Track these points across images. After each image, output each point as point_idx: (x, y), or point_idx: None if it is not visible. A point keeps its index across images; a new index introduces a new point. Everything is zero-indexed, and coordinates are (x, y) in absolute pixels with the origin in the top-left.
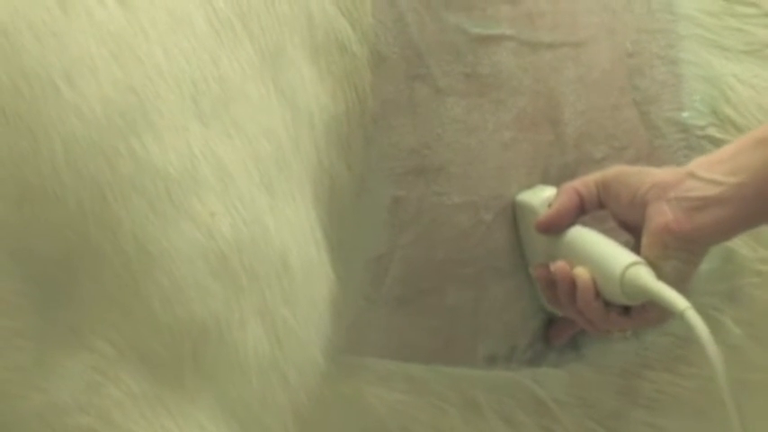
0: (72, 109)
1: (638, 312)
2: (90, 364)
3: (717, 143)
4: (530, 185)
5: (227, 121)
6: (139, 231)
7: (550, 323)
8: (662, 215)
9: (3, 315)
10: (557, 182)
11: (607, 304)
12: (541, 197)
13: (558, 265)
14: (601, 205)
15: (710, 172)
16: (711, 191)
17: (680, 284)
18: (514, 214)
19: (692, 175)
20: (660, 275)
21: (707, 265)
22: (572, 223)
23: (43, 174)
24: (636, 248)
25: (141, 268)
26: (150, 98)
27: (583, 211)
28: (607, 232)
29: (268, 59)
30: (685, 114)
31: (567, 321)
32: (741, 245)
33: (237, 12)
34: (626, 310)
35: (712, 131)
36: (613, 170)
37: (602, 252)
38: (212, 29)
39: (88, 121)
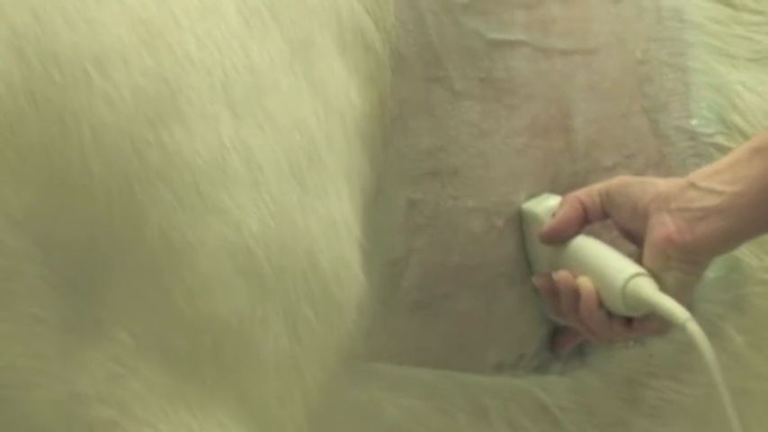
0: (102, 96)
1: (640, 323)
2: (112, 354)
3: (724, 151)
4: (538, 193)
5: (259, 112)
6: (165, 224)
7: (556, 332)
8: (663, 226)
9: (26, 302)
10: (565, 189)
11: (610, 314)
12: (546, 206)
13: (561, 275)
14: (605, 215)
15: (710, 182)
16: (711, 201)
17: (682, 295)
18: (520, 222)
19: (692, 186)
20: (662, 287)
21: (712, 273)
22: (576, 233)
23: (71, 161)
24: (640, 259)
25: (165, 261)
26: (181, 87)
27: (587, 221)
28: (613, 241)
29: (298, 51)
30: (694, 122)
31: (573, 330)
32: (747, 254)
33: (267, 2)
34: (628, 320)
35: (720, 139)
36: (617, 180)
37: (605, 262)
38: (242, 18)
39: (118, 109)
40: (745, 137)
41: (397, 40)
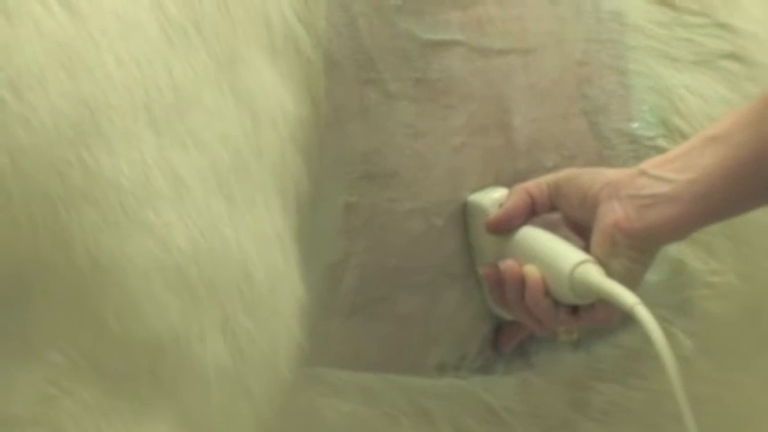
0: (19, 120)
1: (586, 312)
2: (43, 376)
3: None
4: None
5: (182, 130)
6: (91, 244)
7: (498, 329)
8: (612, 213)
9: None
10: (508, 187)
11: (556, 303)
12: (492, 198)
13: (507, 264)
14: (552, 207)
15: (661, 170)
16: (662, 188)
17: (629, 284)
18: (464, 215)
19: (643, 174)
20: (609, 274)
21: (656, 276)
22: (522, 224)
23: None
24: (587, 251)
25: (94, 282)
26: (101, 108)
27: (534, 212)
28: None
29: (224, 65)
30: (634, 125)
31: (515, 327)
32: (692, 257)
33: (190, 17)
34: (574, 309)
35: (661, 142)
36: (565, 172)
37: (552, 251)
38: (165, 35)
39: (36, 132)
40: (687, 140)
41: (329, 44)
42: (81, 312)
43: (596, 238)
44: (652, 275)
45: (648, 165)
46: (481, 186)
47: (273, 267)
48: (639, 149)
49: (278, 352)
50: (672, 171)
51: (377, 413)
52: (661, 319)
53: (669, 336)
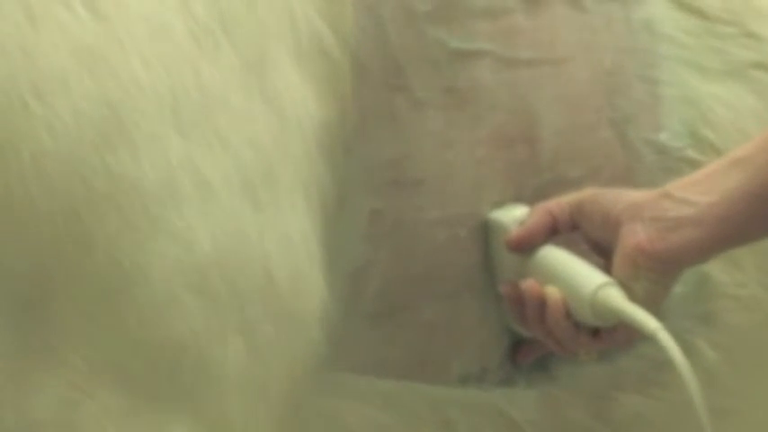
0: (42, 124)
1: (607, 334)
2: (66, 380)
3: (694, 165)
4: (503, 203)
5: (209, 132)
6: (114, 247)
7: (518, 343)
8: (635, 234)
9: None
10: (530, 201)
11: (576, 325)
12: (513, 215)
13: (528, 283)
14: (573, 227)
15: (685, 192)
16: (685, 211)
17: (651, 306)
18: (486, 232)
19: (667, 196)
20: (631, 296)
21: (681, 288)
22: (543, 243)
23: (13, 191)
24: (609, 271)
25: (115, 284)
26: (127, 111)
27: (555, 231)
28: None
29: (252, 66)
30: (663, 135)
31: (534, 342)
32: (717, 269)
33: (218, 18)
34: (595, 331)
35: (690, 153)
36: (588, 192)
37: (573, 272)
38: (192, 37)
39: (59, 135)
40: (717, 151)
41: (357, 46)
42: (103, 315)
43: (618, 259)
44: (677, 287)
45: (673, 186)
46: (502, 200)
47: (297, 270)
48: (667, 160)
49: (295, 354)
50: (696, 193)
51: (399, 420)
52: (685, 331)
53: (692, 348)
